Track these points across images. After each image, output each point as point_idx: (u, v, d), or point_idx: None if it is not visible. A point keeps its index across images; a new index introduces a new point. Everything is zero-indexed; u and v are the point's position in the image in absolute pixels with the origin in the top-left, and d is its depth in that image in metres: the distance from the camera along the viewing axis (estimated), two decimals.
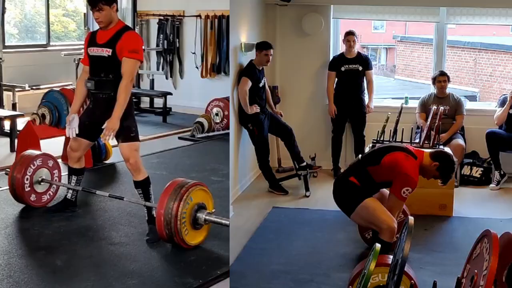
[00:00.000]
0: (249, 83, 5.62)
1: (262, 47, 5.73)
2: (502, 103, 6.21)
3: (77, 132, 4.14)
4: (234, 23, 5.71)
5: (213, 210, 3.88)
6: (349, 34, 6.31)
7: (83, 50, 8.27)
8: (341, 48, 6.73)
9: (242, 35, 5.87)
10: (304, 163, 5.95)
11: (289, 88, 6.86)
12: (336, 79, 6.44)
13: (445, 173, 3.90)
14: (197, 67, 9.32)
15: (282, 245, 4.53)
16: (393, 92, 10.52)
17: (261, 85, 5.78)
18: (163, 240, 3.79)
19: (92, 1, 3.96)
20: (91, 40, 4.10)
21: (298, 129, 6.24)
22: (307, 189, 5.81)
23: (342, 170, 6.42)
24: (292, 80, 6.86)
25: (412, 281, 3.07)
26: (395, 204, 3.79)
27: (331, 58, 6.63)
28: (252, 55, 5.82)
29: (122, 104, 3.92)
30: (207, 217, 3.77)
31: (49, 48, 9.40)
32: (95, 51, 4.06)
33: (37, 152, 4.63)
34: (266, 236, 4.72)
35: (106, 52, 3.98)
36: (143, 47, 4.16)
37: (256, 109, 5.67)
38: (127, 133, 4.03)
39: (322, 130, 6.76)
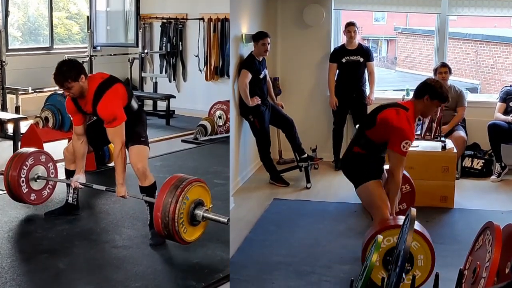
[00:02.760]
0: (249, 76, 5.60)
1: (258, 37, 5.71)
2: (503, 99, 6.19)
3: (81, 187, 4.25)
4: (235, 14, 5.69)
5: (210, 206, 3.82)
6: (350, 25, 6.30)
7: (85, 54, 8.27)
8: (342, 40, 6.71)
9: (243, 26, 5.85)
10: (305, 155, 5.95)
11: (290, 79, 6.85)
12: (337, 70, 6.42)
13: (439, 95, 3.74)
14: (200, 70, 9.28)
15: (283, 237, 4.53)
16: (394, 84, 10.49)
17: (261, 76, 5.76)
18: (161, 237, 3.75)
19: (58, 82, 3.93)
20: (78, 107, 4.10)
21: (299, 121, 6.23)
22: (308, 180, 5.80)
23: None
24: (293, 71, 6.85)
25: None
26: (398, 161, 3.68)
27: (332, 50, 6.61)
28: (253, 46, 5.79)
29: (121, 170, 3.96)
30: (205, 214, 3.72)
31: (52, 51, 9.36)
32: (91, 117, 4.17)
33: (29, 150, 4.56)
34: (267, 228, 4.72)
35: (96, 117, 4.06)
36: (123, 99, 4.06)
37: (257, 101, 5.66)
38: (136, 137, 4.05)
39: (323, 122, 6.75)
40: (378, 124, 3.74)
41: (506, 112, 6.14)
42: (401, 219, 3.40)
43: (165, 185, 3.69)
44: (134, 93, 4.27)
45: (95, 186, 4.28)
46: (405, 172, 4.39)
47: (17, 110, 7.46)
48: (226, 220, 3.69)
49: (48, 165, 4.61)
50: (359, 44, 6.41)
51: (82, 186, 4.24)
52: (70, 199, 4.43)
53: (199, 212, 3.71)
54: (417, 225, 3.25)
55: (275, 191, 5.69)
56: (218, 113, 7.53)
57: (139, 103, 4.34)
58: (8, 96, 7.68)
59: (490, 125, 6.03)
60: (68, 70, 3.89)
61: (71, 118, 4.27)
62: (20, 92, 7.55)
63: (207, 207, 3.78)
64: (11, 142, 6.42)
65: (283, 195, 5.57)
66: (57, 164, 4.68)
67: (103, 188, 4.23)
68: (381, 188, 3.76)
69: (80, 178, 4.23)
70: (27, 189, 4.43)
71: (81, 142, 4.22)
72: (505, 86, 6.41)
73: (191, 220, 3.71)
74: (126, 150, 4.04)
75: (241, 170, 5.88)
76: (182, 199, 3.61)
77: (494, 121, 6.07)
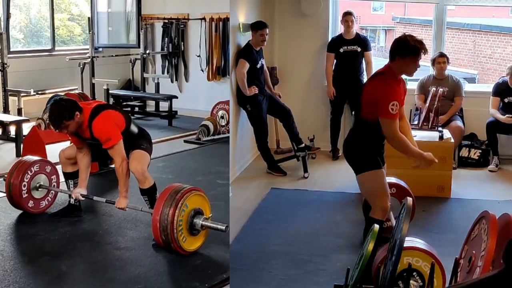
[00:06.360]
0: (247, 65, 5.59)
1: (257, 27, 5.70)
2: (497, 93, 6.15)
3: (83, 197, 4.28)
4: (233, 3, 5.68)
5: (210, 215, 3.82)
6: (347, 14, 6.29)
7: (87, 55, 8.27)
8: (340, 29, 6.70)
9: (240, 15, 5.84)
10: (303, 145, 5.95)
11: (287, 69, 6.84)
12: (335, 60, 6.42)
13: (408, 51, 3.52)
14: (202, 70, 9.27)
15: (280, 226, 4.54)
16: None
17: (259, 66, 5.76)
18: (160, 247, 3.75)
19: (55, 125, 3.99)
20: (76, 134, 4.15)
21: (297, 111, 6.23)
22: (305, 170, 5.81)
23: (340, 152, 6.45)
24: (291, 61, 6.84)
25: (433, 261, 3.02)
26: (391, 126, 3.53)
27: (329, 39, 6.60)
28: (250, 35, 5.78)
29: (124, 183, 4.04)
30: (203, 223, 3.71)
31: (54, 52, 9.34)
32: (90, 141, 4.17)
33: (34, 158, 4.54)
34: (265, 217, 4.73)
35: (96, 142, 4.08)
36: (117, 121, 4.13)
37: (254, 90, 5.66)
38: (137, 145, 4.13)
39: (320, 112, 6.76)
40: (365, 101, 3.65)
41: (501, 109, 6.13)
42: (415, 241, 3.22)
43: (165, 192, 3.70)
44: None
45: (95, 198, 4.29)
46: (403, 183, 4.31)
47: (19, 112, 7.44)
48: (224, 228, 3.68)
49: (52, 178, 4.59)
50: (357, 34, 6.41)
51: (83, 198, 4.29)
52: (72, 201, 4.43)
53: (198, 221, 3.71)
54: (423, 244, 3.15)
55: (273, 180, 5.70)
56: (220, 113, 7.50)
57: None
58: (10, 98, 7.68)
59: (489, 124, 6.03)
60: (61, 113, 3.95)
61: (70, 139, 4.35)
62: (22, 94, 7.54)
63: (207, 216, 3.79)
64: (13, 145, 6.41)
65: (280, 184, 5.58)
66: (57, 167, 4.65)
67: (103, 200, 4.26)
68: (383, 177, 3.70)
69: (81, 191, 4.27)
70: (26, 195, 4.40)
71: (83, 154, 4.27)
72: (502, 77, 6.41)
73: (190, 228, 3.70)
74: (127, 155, 4.11)
75: (238, 159, 5.89)
76: (182, 205, 3.61)
77: (492, 119, 6.06)
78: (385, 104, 3.46)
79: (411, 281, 3.01)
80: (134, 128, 4.24)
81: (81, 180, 4.30)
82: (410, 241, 3.13)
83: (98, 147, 4.11)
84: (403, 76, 3.72)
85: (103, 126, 4.01)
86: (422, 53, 3.56)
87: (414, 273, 3.02)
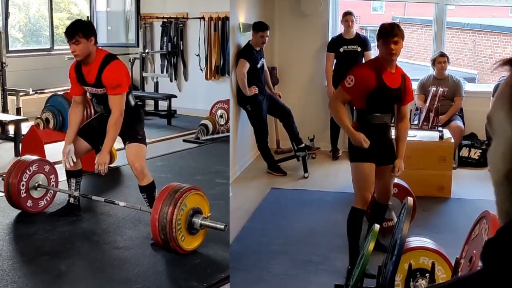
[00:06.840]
0: (247, 65, 5.59)
1: (258, 28, 5.69)
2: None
3: (74, 161, 4.14)
4: (232, 3, 5.67)
5: (209, 214, 3.80)
6: (347, 14, 6.28)
7: None
8: (340, 29, 6.69)
9: (240, 15, 5.83)
10: (303, 145, 5.94)
11: (287, 69, 6.84)
12: (335, 60, 6.41)
13: (377, 35, 3.67)
14: (201, 70, 9.27)
15: (280, 226, 4.54)
16: None
17: (259, 66, 5.75)
18: (159, 246, 3.73)
19: (69, 33, 3.94)
20: (79, 77, 4.09)
21: (297, 111, 6.23)
22: (305, 170, 5.81)
23: (340, 152, 6.45)
24: (291, 61, 6.84)
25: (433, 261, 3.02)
26: (337, 92, 3.88)
27: (329, 39, 6.60)
28: (250, 35, 5.78)
29: (112, 138, 3.98)
30: (202, 222, 3.69)
31: (53, 52, 9.31)
32: (90, 90, 4.11)
33: (33, 158, 4.52)
34: (265, 217, 4.73)
35: (100, 91, 4.02)
36: (127, 74, 4.12)
37: (254, 90, 5.66)
38: (134, 135, 4.05)
39: (320, 112, 6.75)
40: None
41: None
42: (422, 241, 3.26)
43: (164, 191, 3.68)
44: (134, 93, 4.27)
45: (94, 197, 4.27)
46: (404, 183, 4.30)
47: (18, 111, 7.41)
48: (223, 227, 3.66)
49: (50, 177, 4.57)
50: (357, 34, 6.40)
51: (73, 162, 4.14)
52: (71, 200, 4.40)
53: (197, 220, 3.69)
54: (428, 242, 3.17)
55: (273, 180, 5.69)
56: (219, 112, 7.47)
57: (138, 101, 4.33)
58: (9, 98, 7.64)
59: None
60: (82, 26, 3.98)
61: (70, 86, 4.27)
62: (21, 94, 7.50)
63: (205, 215, 3.77)
64: (12, 144, 6.39)
65: (280, 184, 5.57)
66: (56, 166, 4.64)
67: (102, 199, 4.24)
68: (371, 172, 3.73)
69: (71, 149, 4.14)
70: (25, 194, 4.37)
71: (78, 109, 4.21)
72: (502, 77, 6.40)
73: (189, 228, 3.68)
74: (124, 145, 4.08)
75: (238, 159, 5.89)
76: (181, 204, 3.60)
77: None
78: (346, 77, 3.70)
79: (422, 281, 3.02)
80: (131, 100, 4.16)
81: (69, 135, 4.17)
82: (428, 242, 3.15)
83: (98, 128, 4.08)
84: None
85: (117, 72, 3.97)
86: (391, 35, 3.58)
87: (427, 274, 3.02)
